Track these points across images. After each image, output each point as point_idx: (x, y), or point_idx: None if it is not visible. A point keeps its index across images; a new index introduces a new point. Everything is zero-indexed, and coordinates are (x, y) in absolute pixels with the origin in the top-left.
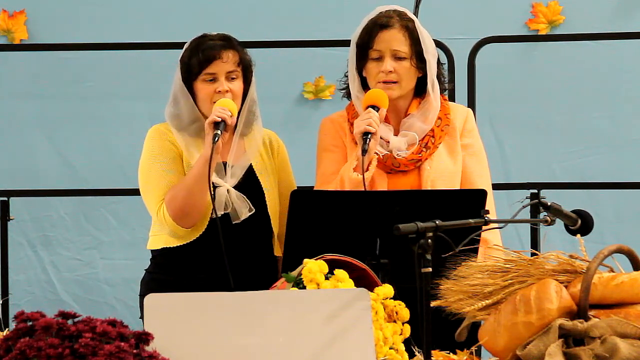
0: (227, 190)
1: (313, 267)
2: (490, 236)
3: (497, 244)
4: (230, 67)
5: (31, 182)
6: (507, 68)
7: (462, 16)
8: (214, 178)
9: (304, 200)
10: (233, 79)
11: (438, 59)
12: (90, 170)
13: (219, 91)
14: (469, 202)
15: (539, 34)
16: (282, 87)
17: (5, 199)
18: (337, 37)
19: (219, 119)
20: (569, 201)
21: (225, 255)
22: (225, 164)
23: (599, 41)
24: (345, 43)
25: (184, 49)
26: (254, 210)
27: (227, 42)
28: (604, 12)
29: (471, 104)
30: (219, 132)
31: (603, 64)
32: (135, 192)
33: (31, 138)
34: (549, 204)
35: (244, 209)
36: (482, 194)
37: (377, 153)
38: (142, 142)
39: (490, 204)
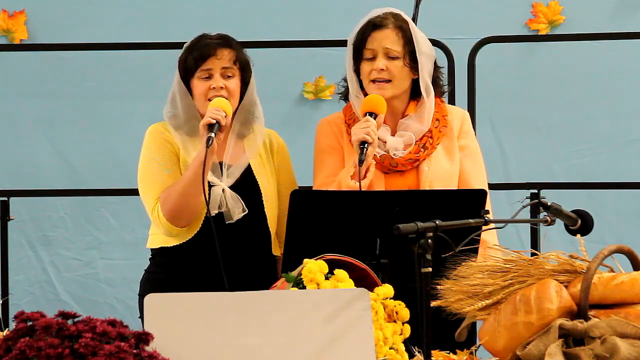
0: (223, 189)
1: (313, 267)
2: (488, 237)
3: (495, 244)
4: (225, 64)
5: (31, 182)
6: (507, 68)
7: (462, 16)
8: (210, 177)
9: (304, 200)
10: (229, 76)
11: (435, 62)
12: (90, 170)
13: (214, 87)
14: (469, 202)
15: (539, 34)
16: (282, 87)
17: (5, 199)
18: (337, 37)
19: (213, 121)
20: (569, 201)
21: (220, 254)
22: (221, 163)
23: (599, 41)
24: (346, 43)
25: (183, 49)
26: (247, 211)
27: (223, 40)
28: (604, 12)
29: (471, 104)
30: (212, 134)
31: (603, 64)
32: (136, 192)
33: (31, 138)
34: (549, 204)
35: (237, 209)
36: (482, 194)
37: (374, 154)
38: (142, 142)
39: (487, 205)
